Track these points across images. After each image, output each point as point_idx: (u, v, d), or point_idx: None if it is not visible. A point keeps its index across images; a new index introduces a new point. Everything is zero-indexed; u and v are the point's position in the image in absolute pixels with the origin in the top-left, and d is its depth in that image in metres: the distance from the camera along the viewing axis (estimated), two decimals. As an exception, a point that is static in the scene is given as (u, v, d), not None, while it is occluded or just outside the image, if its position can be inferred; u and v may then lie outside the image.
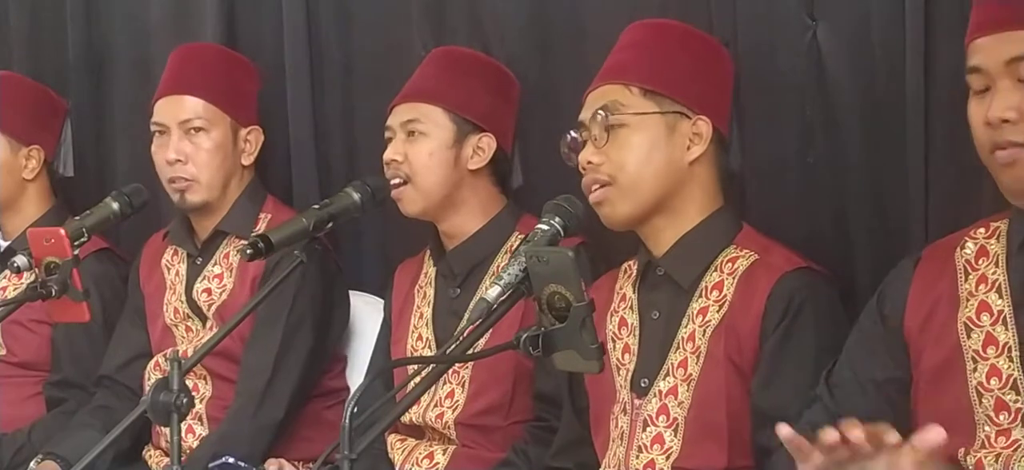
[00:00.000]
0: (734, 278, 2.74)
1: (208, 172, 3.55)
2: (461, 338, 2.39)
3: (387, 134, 3.26)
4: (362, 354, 3.59)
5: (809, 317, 2.67)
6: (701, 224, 2.79)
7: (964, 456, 2.35)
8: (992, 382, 2.35)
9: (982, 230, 2.46)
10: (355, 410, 2.13)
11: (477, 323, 2.37)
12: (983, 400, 2.35)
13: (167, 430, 2.41)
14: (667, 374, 2.76)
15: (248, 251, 2.92)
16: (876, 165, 2.88)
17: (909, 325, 2.47)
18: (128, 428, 2.61)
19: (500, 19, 3.44)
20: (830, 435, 2.06)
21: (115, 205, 3.42)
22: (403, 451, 3.23)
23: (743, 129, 2.96)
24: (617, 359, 2.82)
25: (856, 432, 2.05)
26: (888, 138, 2.84)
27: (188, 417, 2.45)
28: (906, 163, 2.80)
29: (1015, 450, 2.31)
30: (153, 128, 3.61)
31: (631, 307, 2.85)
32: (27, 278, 3.36)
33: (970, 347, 2.38)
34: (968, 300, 2.41)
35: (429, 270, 3.32)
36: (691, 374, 2.73)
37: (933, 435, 2.09)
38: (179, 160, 3.54)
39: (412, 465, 3.19)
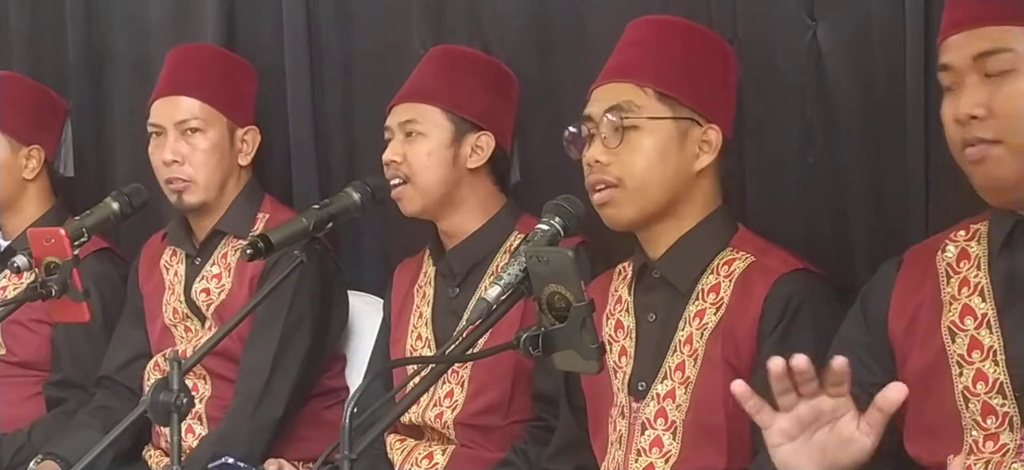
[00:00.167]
0: (731, 281, 2.74)
1: (205, 172, 3.55)
2: (461, 338, 2.39)
3: (386, 134, 3.27)
4: (361, 354, 3.59)
5: (807, 319, 2.66)
6: (698, 226, 2.78)
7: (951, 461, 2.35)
8: (978, 386, 2.34)
9: (962, 232, 2.45)
10: (355, 410, 2.13)
11: (477, 323, 2.37)
12: (970, 405, 2.34)
13: (167, 430, 2.40)
14: (664, 377, 2.76)
15: (248, 251, 2.92)
16: (876, 165, 2.88)
17: (893, 329, 2.46)
18: (128, 428, 2.61)
19: (500, 19, 3.44)
20: (776, 364, 2.12)
21: (115, 205, 3.42)
22: (402, 451, 3.23)
23: (743, 129, 2.96)
24: (614, 362, 2.81)
25: (801, 362, 2.09)
26: (888, 138, 2.84)
27: (188, 417, 2.45)
28: (906, 163, 2.80)
29: (1004, 455, 2.30)
30: (150, 129, 3.61)
31: (627, 309, 2.84)
32: (27, 278, 3.36)
33: (955, 352, 2.37)
34: (951, 304, 2.40)
35: (428, 269, 3.32)
36: (689, 377, 2.73)
37: (894, 394, 2.10)
38: (176, 161, 3.54)
39: (411, 465, 3.19)
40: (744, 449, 2.69)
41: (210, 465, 3.32)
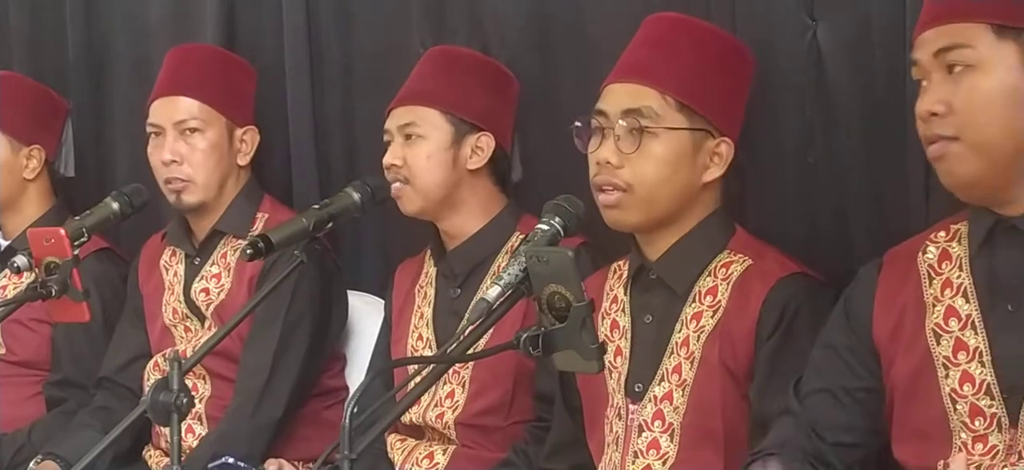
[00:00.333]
0: (728, 283, 2.73)
1: (204, 172, 3.55)
2: (461, 338, 2.39)
3: (385, 137, 3.26)
4: (361, 354, 3.59)
5: (805, 323, 2.65)
6: (696, 228, 2.78)
7: (943, 467, 2.34)
8: (966, 388, 2.33)
9: (942, 233, 2.44)
10: (355, 410, 2.13)
11: (477, 323, 2.37)
12: (958, 407, 2.33)
13: (167, 430, 2.41)
14: (661, 379, 2.75)
15: (248, 251, 2.93)
16: (876, 165, 2.88)
17: (878, 333, 2.45)
18: (128, 428, 2.61)
19: (500, 19, 3.44)
20: None
21: (115, 205, 3.43)
22: (403, 451, 3.23)
23: (743, 129, 2.95)
24: (609, 362, 2.79)
25: None
26: (888, 138, 2.84)
27: (188, 417, 2.45)
28: (906, 163, 2.80)
29: (994, 456, 2.30)
30: (149, 129, 3.62)
31: (623, 310, 2.84)
32: (27, 278, 3.36)
33: (940, 354, 2.36)
34: (935, 306, 2.39)
35: (430, 270, 3.32)
36: (685, 379, 2.72)
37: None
38: (174, 161, 3.55)
39: (412, 465, 3.19)
40: (742, 451, 2.69)
41: (210, 465, 3.32)
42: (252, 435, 3.42)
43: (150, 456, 3.59)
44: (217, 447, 3.38)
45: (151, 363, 3.65)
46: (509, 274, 2.36)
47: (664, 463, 2.73)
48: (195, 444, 3.46)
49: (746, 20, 3.00)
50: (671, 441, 2.73)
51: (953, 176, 2.33)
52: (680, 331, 2.75)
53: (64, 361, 3.82)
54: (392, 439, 3.26)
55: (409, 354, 3.25)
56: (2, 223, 3.99)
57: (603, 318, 2.85)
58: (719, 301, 2.72)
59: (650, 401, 2.75)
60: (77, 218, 3.34)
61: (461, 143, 3.21)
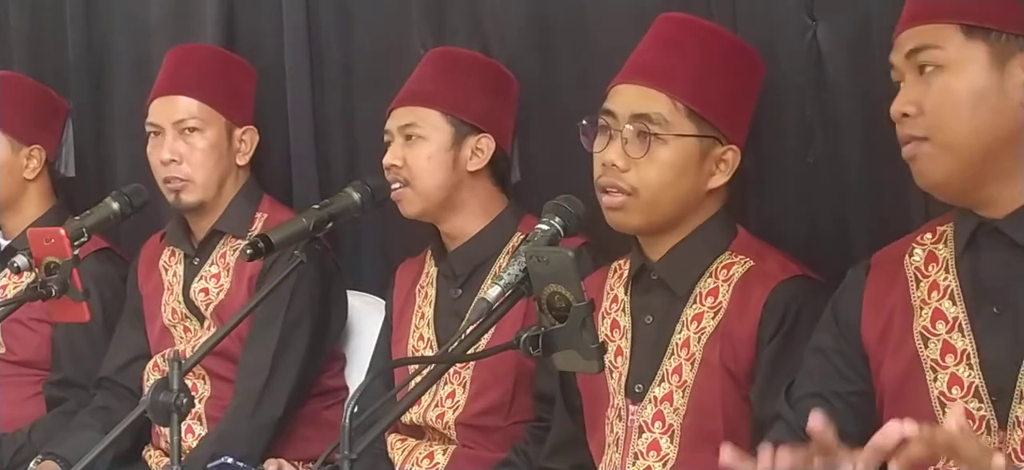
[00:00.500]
0: (729, 285, 2.73)
1: (203, 172, 3.55)
2: (461, 338, 2.39)
3: (386, 137, 3.26)
4: (361, 354, 3.59)
5: (806, 325, 2.64)
6: (698, 230, 2.77)
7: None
8: (954, 391, 2.32)
9: (929, 235, 2.44)
10: (355, 410, 2.13)
11: (477, 323, 2.37)
12: (946, 410, 2.32)
13: (167, 430, 2.41)
14: (662, 380, 2.75)
15: (248, 251, 2.92)
16: (876, 165, 2.88)
17: (867, 336, 2.44)
18: (128, 428, 2.61)
19: (500, 19, 3.44)
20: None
21: (115, 205, 3.43)
22: (403, 451, 3.23)
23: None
24: (609, 362, 2.79)
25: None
26: (888, 138, 2.82)
27: (187, 417, 2.45)
28: (906, 163, 2.79)
29: None
30: (148, 129, 3.62)
31: (623, 309, 2.84)
32: (27, 277, 3.36)
33: (928, 357, 2.36)
34: (922, 308, 2.38)
35: (430, 270, 3.32)
36: (686, 380, 2.72)
37: (892, 432, 2.08)
38: (174, 160, 3.55)
39: (412, 465, 3.19)
40: (743, 452, 2.68)
41: (210, 465, 3.32)
42: (252, 435, 3.42)
43: (150, 456, 3.59)
44: (217, 447, 3.38)
45: (151, 363, 3.65)
46: (509, 274, 2.36)
47: (664, 465, 2.73)
48: (195, 444, 3.46)
49: (746, 20, 3.00)
50: (671, 442, 2.73)
51: (925, 177, 2.34)
52: (681, 332, 2.75)
53: (64, 361, 3.82)
54: (392, 439, 3.26)
55: (410, 354, 3.25)
56: (2, 223, 3.99)
57: (603, 317, 2.85)
58: (720, 302, 2.72)
59: (650, 402, 2.75)
60: (77, 218, 3.34)
61: (461, 144, 3.21)
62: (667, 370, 2.75)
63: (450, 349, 2.44)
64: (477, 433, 3.14)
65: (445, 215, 3.24)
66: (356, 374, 3.61)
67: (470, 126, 3.22)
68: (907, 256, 2.44)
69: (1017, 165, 2.29)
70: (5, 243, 3.93)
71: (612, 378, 2.81)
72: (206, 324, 3.56)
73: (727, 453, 2.08)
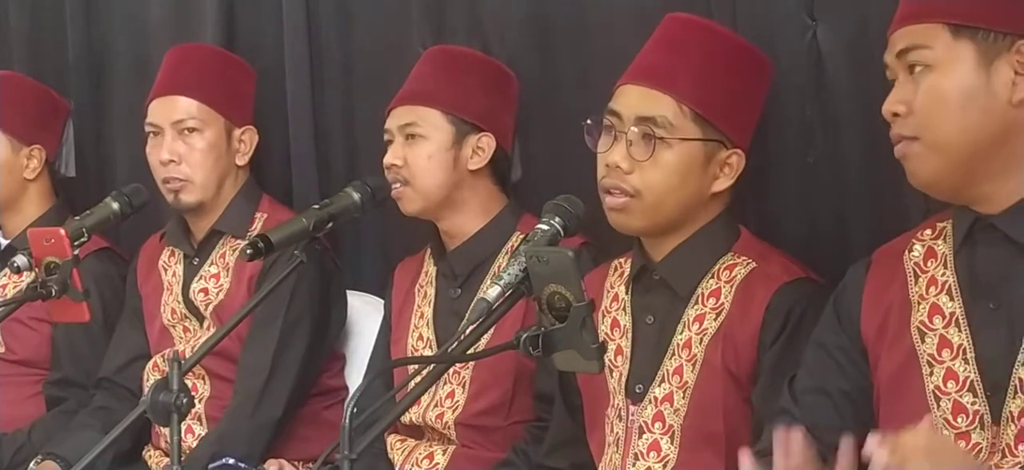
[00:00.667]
0: (731, 286, 2.73)
1: (202, 172, 3.55)
2: (461, 338, 2.39)
3: (385, 137, 3.26)
4: (361, 353, 3.59)
5: (809, 328, 2.63)
6: (701, 231, 2.77)
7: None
8: (949, 385, 2.33)
9: (928, 231, 2.44)
10: (355, 410, 2.13)
11: (477, 323, 2.37)
12: (941, 404, 2.33)
13: (167, 430, 2.41)
14: (662, 380, 2.75)
15: (248, 251, 2.93)
16: (876, 165, 2.87)
17: (866, 332, 2.45)
18: (128, 428, 2.61)
19: (500, 19, 3.44)
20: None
21: (115, 205, 3.43)
22: (403, 451, 3.23)
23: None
24: (610, 361, 2.79)
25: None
26: (888, 138, 2.83)
27: (187, 417, 2.45)
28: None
29: (976, 454, 2.29)
30: (147, 129, 3.62)
31: (624, 309, 2.84)
32: (27, 277, 3.36)
33: (925, 351, 2.36)
34: (920, 303, 2.39)
35: (430, 269, 3.32)
36: (687, 381, 2.72)
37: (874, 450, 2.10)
38: (173, 160, 3.55)
39: (412, 465, 3.19)
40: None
41: (210, 465, 3.32)
42: (252, 435, 3.42)
43: (150, 456, 3.59)
44: (217, 447, 3.38)
45: (150, 363, 3.65)
46: (509, 274, 2.36)
47: (664, 466, 2.72)
48: (195, 444, 3.46)
49: (746, 20, 3.00)
50: (671, 443, 2.73)
51: (916, 176, 2.35)
52: (682, 332, 2.74)
53: (64, 360, 3.82)
54: (392, 439, 3.26)
55: (409, 354, 3.25)
56: (2, 223, 3.99)
57: (603, 316, 2.84)
58: (722, 303, 2.72)
59: (650, 402, 2.75)
60: (77, 218, 3.34)
61: (462, 143, 3.21)
62: (668, 371, 2.74)
63: (450, 349, 2.44)
64: (477, 433, 3.14)
65: (445, 214, 3.24)
66: (356, 374, 3.61)
67: (471, 125, 3.22)
68: (907, 252, 2.44)
69: (1011, 162, 2.30)
70: (5, 243, 3.93)
71: (612, 377, 2.80)
72: (206, 324, 3.56)
73: (746, 461, 2.11)
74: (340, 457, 2.13)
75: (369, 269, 3.77)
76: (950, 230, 2.40)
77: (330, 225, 3.06)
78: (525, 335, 2.30)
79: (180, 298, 3.61)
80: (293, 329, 3.46)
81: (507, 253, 3.19)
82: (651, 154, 2.69)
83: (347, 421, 2.11)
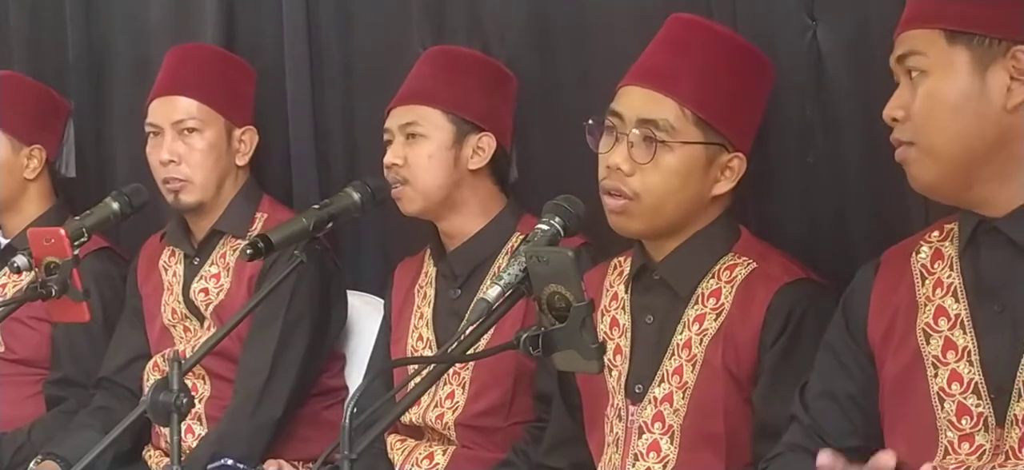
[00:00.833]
0: (732, 287, 2.73)
1: (202, 173, 3.55)
2: (461, 338, 2.39)
3: (385, 136, 3.26)
4: (361, 353, 3.59)
5: (809, 330, 2.65)
6: (701, 231, 2.77)
7: None
8: (953, 387, 2.33)
9: (936, 233, 2.45)
10: (355, 410, 2.13)
11: (477, 323, 2.37)
12: (945, 406, 2.33)
13: (167, 430, 2.41)
14: (662, 380, 2.75)
15: (248, 251, 2.93)
16: (876, 165, 2.87)
17: (873, 334, 2.45)
18: (128, 428, 2.61)
19: (500, 19, 3.44)
20: None
21: (115, 205, 3.43)
22: (403, 451, 3.23)
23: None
24: (608, 360, 2.78)
25: None
26: (888, 138, 2.83)
27: (187, 417, 2.45)
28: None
29: (980, 456, 2.30)
30: (147, 129, 3.62)
31: (623, 308, 2.83)
32: (27, 276, 3.36)
33: (930, 353, 2.36)
34: (926, 305, 2.39)
35: (429, 270, 3.32)
36: (686, 382, 2.72)
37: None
38: (172, 161, 3.55)
39: (411, 465, 3.19)
40: (743, 454, 2.69)
41: (210, 465, 3.32)
42: (251, 435, 3.42)
43: (150, 456, 3.59)
44: (216, 447, 3.38)
45: (150, 363, 3.65)
46: (509, 274, 2.36)
47: (664, 466, 2.72)
48: (195, 444, 3.46)
49: (746, 20, 3.00)
50: (671, 444, 2.72)
51: (916, 180, 2.36)
52: (682, 333, 2.74)
53: (64, 359, 3.82)
54: (392, 439, 3.26)
55: (409, 354, 3.25)
56: (2, 222, 3.99)
57: (603, 315, 2.84)
58: (722, 304, 2.72)
59: (650, 402, 2.75)
60: (77, 218, 3.34)
61: (462, 143, 3.21)
62: (667, 371, 2.74)
63: (450, 349, 2.43)
64: (476, 433, 3.14)
65: (445, 213, 3.24)
66: (356, 374, 3.61)
67: (471, 124, 3.22)
68: (914, 253, 2.45)
69: (1010, 166, 2.30)
70: (4, 242, 3.93)
71: (611, 377, 2.80)
72: (206, 324, 3.56)
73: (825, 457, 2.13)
74: (340, 457, 2.13)
75: (369, 269, 3.77)
76: (957, 232, 2.41)
77: (330, 225, 3.06)
78: (525, 335, 2.30)
79: (180, 298, 3.61)
80: (293, 329, 3.46)
81: (507, 253, 3.19)
82: (652, 157, 2.68)
83: (347, 421, 2.11)
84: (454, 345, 2.40)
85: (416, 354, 3.23)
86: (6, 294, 3.76)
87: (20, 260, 3.13)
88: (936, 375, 2.35)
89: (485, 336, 2.43)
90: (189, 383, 2.46)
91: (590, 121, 2.77)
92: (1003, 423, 2.29)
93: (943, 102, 2.29)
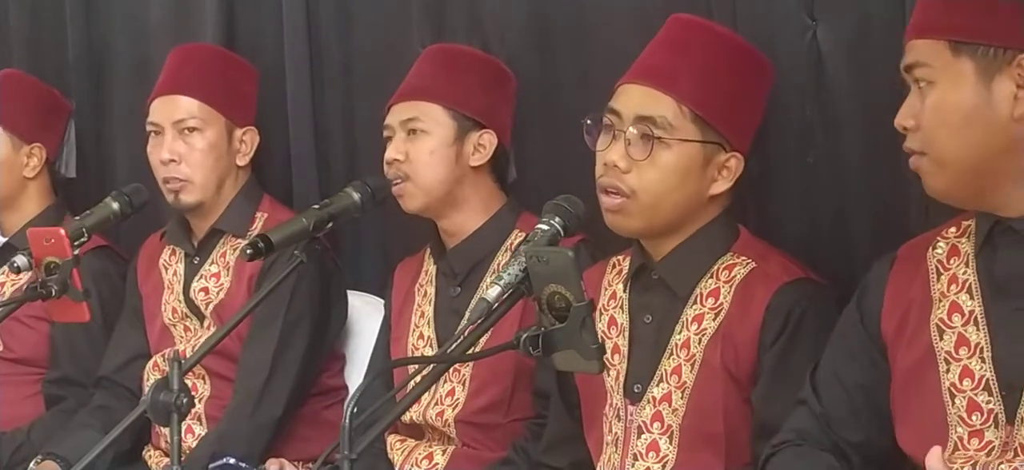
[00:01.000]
0: (731, 286, 2.72)
1: (202, 172, 3.55)
2: (461, 338, 2.39)
3: (386, 134, 3.26)
4: (361, 353, 3.59)
5: (808, 329, 2.65)
6: (700, 231, 2.76)
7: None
8: (965, 383, 2.34)
9: (953, 229, 2.46)
10: (355, 410, 2.13)
11: (477, 323, 2.37)
12: (956, 401, 2.34)
13: (167, 430, 2.41)
14: (660, 380, 2.75)
15: (248, 251, 2.92)
16: (876, 165, 2.88)
17: (886, 328, 2.47)
18: (128, 428, 2.61)
19: (500, 19, 3.44)
20: None
21: (115, 205, 3.42)
22: (403, 451, 3.23)
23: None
24: (606, 359, 2.78)
25: None
26: (888, 138, 2.83)
27: (187, 417, 2.45)
28: (906, 163, 2.79)
29: (989, 452, 2.31)
30: (148, 128, 3.62)
31: (621, 307, 2.83)
32: (25, 275, 3.36)
33: (942, 348, 2.38)
34: (940, 301, 2.40)
35: (429, 269, 3.32)
36: (685, 381, 2.72)
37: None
38: (173, 160, 3.55)
39: (412, 465, 3.19)
40: (743, 454, 2.69)
41: (210, 465, 3.32)
42: (252, 434, 3.42)
43: (150, 456, 3.59)
44: (217, 447, 3.38)
45: (150, 363, 3.65)
46: (509, 274, 2.36)
47: (664, 466, 2.72)
48: (194, 444, 3.45)
49: (746, 20, 3.00)
50: (670, 443, 2.72)
51: (929, 188, 2.38)
52: (680, 332, 2.74)
53: (63, 358, 3.82)
54: (392, 439, 3.26)
55: (410, 353, 3.25)
56: (0, 221, 3.99)
57: (601, 314, 2.84)
58: (721, 303, 2.72)
59: (649, 402, 2.75)
60: (77, 218, 3.34)
61: (464, 140, 3.21)
62: (666, 370, 2.74)
63: (450, 349, 2.44)
64: (477, 430, 3.14)
65: (446, 211, 3.24)
66: (356, 374, 3.61)
67: (472, 121, 3.22)
68: (930, 248, 2.46)
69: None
70: (3, 240, 3.93)
71: (609, 376, 2.80)
72: (206, 323, 3.56)
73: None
74: (340, 457, 2.13)
75: (369, 269, 3.77)
76: (974, 229, 2.42)
77: (330, 225, 3.06)
78: (525, 335, 2.30)
79: (181, 297, 3.61)
80: (293, 329, 3.46)
81: (506, 251, 3.19)
82: (649, 154, 2.68)
83: (347, 421, 2.11)
84: (454, 345, 2.40)
85: (417, 353, 3.23)
86: (4, 293, 3.76)
87: (20, 260, 3.13)
88: (948, 370, 2.36)
89: (485, 335, 2.43)
90: (188, 383, 2.46)
91: (588, 120, 2.77)
92: (1013, 420, 2.30)
93: (950, 114, 2.30)
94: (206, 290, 3.57)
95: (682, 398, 2.71)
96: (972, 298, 2.37)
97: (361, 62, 3.77)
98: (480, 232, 3.23)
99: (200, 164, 3.55)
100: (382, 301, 3.51)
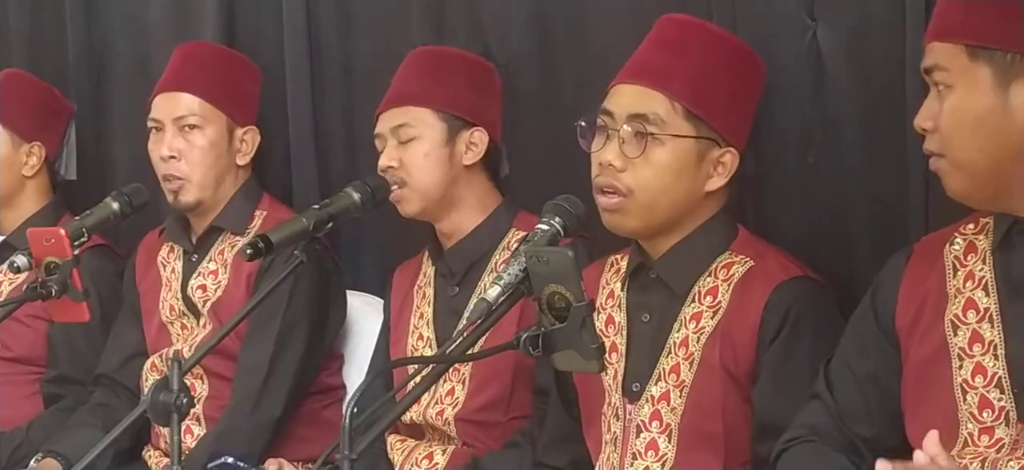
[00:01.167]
0: (729, 285, 2.73)
1: (201, 170, 3.55)
2: (461, 338, 2.39)
3: (377, 142, 3.27)
4: (360, 353, 3.59)
5: (807, 328, 2.65)
6: (699, 230, 2.77)
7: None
8: (977, 379, 2.35)
9: (971, 226, 2.46)
10: (355, 410, 2.13)
11: (477, 323, 2.37)
12: (967, 397, 2.35)
13: (166, 430, 2.41)
14: (659, 379, 2.75)
15: (248, 251, 2.92)
16: (876, 165, 2.88)
17: (900, 322, 2.47)
18: (128, 428, 2.61)
19: (500, 19, 3.44)
20: None
21: (115, 205, 3.42)
22: (403, 451, 3.23)
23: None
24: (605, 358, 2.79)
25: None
26: (888, 138, 2.84)
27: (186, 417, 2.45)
28: (906, 163, 2.80)
29: (999, 450, 2.31)
30: (150, 124, 3.62)
31: (619, 306, 2.84)
32: (25, 275, 3.36)
33: (956, 344, 2.38)
34: (956, 297, 2.41)
35: (428, 270, 3.32)
36: (684, 380, 2.72)
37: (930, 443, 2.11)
38: (172, 157, 3.55)
39: (412, 465, 3.19)
40: (740, 454, 2.69)
41: (210, 465, 3.32)
42: (251, 434, 3.42)
43: (150, 456, 3.59)
44: (216, 446, 3.38)
45: (148, 362, 3.64)
46: (509, 274, 2.36)
47: (662, 465, 2.72)
48: (193, 444, 3.45)
49: (746, 20, 3.00)
50: (669, 442, 2.73)
51: (948, 189, 2.39)
52: (678, 331, 2.74)
53: (61, 357, 3.81)
54: (392, 440, 3.27)
55: (409, 353, 3.25)
56: (-1, 219, 4.00)
57: (599, 312, 2.84)
58: (719, 302, 2.72)
59: (647, 401, 2.75)
60: (77, 218, 3.34)
61: (455, 140, 3.22)
62: (664, 369, 2.74)
63: (449, 349, 2.44)
64: (477, 429, 3.15)
65: (443, 212, 3.24)
66: (355, 374, 3.61)
67: (462, 120, 3.23)
68: (948, 244, 2.47)
69: None
70: (1, 238, 3.93)
71: (607, 375, 2.80)
72: (202, 321, 3.56)
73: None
74: (340, 457, 2.13)
75: (369, 269, 3.77)
76: (992, 226, 2.42)
77: (330, 225, 3.06)
78: (525, 335, 2.30)
79: (179, 295, 3.61)
80: (292, 329, 3.46)
81: (503, 249, 3.19)
82: (643, 151, 2.69)
83: (347, 421, 2.11)
84: (453, 345, 2.40)
85: (417, 353, 3.23)
86: (3, 293, 3.76)
87: (20, 260, 3.13)
88: (961, 367, 2.37)
89: (485, 334, 2.43)
90: (187, 383, 2.46)
91: (582, 122, 2.78)
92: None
93: (967, 118, 2.31)
94: (204, 288, 3.57)
95: (681, 397, 2.71)
96: (988, 295, 2.38)
97: (361, 62, 3.77)
98: (477, 232, 3.23)
99: (199, 162, 3.55)
100: (381, 301, 3.51)
